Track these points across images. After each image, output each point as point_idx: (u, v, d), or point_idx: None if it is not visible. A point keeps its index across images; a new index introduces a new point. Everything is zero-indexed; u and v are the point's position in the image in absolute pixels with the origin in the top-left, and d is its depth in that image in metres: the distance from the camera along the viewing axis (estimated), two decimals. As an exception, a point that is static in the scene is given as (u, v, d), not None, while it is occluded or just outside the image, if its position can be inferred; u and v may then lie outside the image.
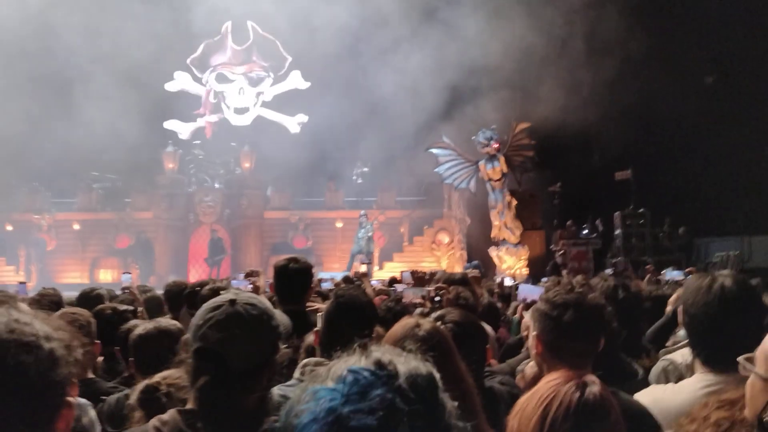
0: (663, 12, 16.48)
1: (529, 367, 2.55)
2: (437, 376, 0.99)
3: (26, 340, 1.08)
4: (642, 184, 15.80)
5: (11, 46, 16.84)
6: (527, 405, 1.45)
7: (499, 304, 6.01)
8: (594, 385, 1.44)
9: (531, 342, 2.14)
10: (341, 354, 1.04)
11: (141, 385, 2.02)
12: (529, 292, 3.89)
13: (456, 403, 1.07)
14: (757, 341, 1.31)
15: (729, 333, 1.96)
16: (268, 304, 1.77)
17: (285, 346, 2.70)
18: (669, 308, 4.44)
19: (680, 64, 16.43)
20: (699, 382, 1.98)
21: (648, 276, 9.45)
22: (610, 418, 1.44)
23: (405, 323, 2.12)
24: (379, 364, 0.92)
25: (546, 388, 1.44)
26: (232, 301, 1.63)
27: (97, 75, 17.63)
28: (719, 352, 1.97)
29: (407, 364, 0.95)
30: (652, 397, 2.00)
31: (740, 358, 1.29)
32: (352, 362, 0.97)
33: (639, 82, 15.52)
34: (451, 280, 4.58)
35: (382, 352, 0.96)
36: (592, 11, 15.67)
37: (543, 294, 2.17)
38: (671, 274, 5.91)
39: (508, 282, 8.20)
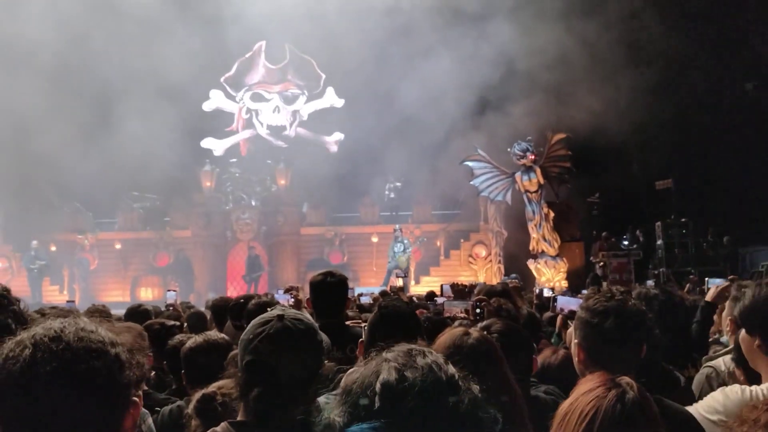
0: (702, 18, 16.21)
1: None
2: (453, 377, 1.08)
3: (94, 347, 1.16)
4: (683, 193, 15.50)
5: (52, 67, 17.38)
6: (569, 418, 1.45)
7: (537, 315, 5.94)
8: (631, 391, 1.44)
9: (573, 350, 2.12)
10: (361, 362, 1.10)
11: (198, 395, 2.06)
12: (567, 303, 3.84)
13: (495, 412, 1.09)
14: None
15: None
16: (312, 320, 1.83)
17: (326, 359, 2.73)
18: (716, 318, 4.33)
19: (720, 70, 16.15)
20: None
21: (689, 285, 9.24)
22: (651, 419, 1.44)
23: (453, 333, 2.11)
24: (386, 387, 1.04)
25: (586, 401, 1.44)
26: (281, 317, 1.73)
27: (135, 95, 18.06)
28: None
29: (415, 375, 1.06)
30: (736, 399, 1.97)
31: None
32: (368, 375, 1.05)
33: (679, 90, 15.29)
34: (492, 292, 4.54)
35: (390, 369, 1.06)
36: (630, 17, 15.49)
37: (583, 302, 2.16)
38: (714, 281, 5.75)
39: (546, 293, 8.08)
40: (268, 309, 1.83)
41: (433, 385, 1.06)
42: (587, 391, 1.45)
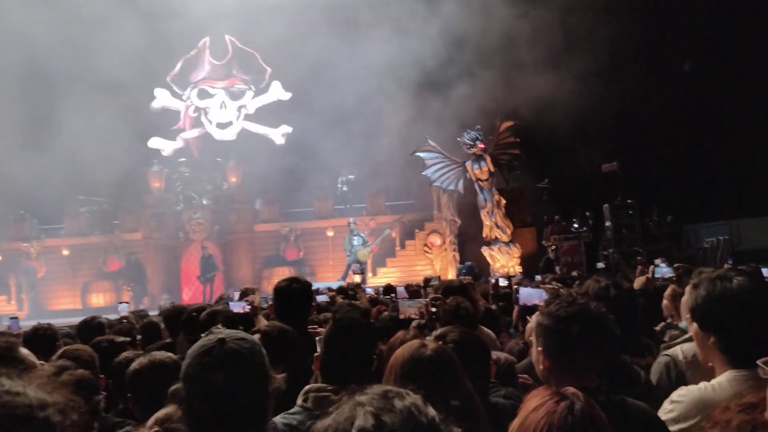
0: (639, 1, 16.60)
1: None
2: (434, 420, 1.01)
3: (20, 413, 1.06)
4: (629, 174, 15.90)
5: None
6: None
7: (493, 306, 6.01)
8: (578, 401, 1.46)
9: (535, 357, 2.12)
10: (335, 403, 1.04)
11: None
12: (529, 296, 3.87)
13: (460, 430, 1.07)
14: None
15: (749, 331, 1.97)
16: (253, 337, 1.77)
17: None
18: (665, 302, 4.48)
19: (658, 53, 16.57)
20: (738, 377, 1.97)
21: (640, 268, 9.51)
22: (601, 426, 1.47)
23: (410, 345, 2.12)
24: None
25: (536, 418, 1.45)
26: (222, 340, 1.64)
27: (78, 96, 17.52)
28: (742, 349, 1.97)
29: (395, 421, 0.97)
30: (699, 396, 1.99)
31: (759, 362, 1.29)
32: (341, 421, 0.98)
33: (620, 73, 15.62)
34: (449, 288, 4.58)
35: (366, 414, 0.97)
36: (571, 4, 15.73)
37: (543, 307, 2.13)
38: (661, 270, 5.91)
39: (502, 282, 8.19)
40: (212, 328, 1.74)
41: (413, 431, 1.00)
42: (536, 407, 1.47)
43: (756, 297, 2.04)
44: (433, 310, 3.73)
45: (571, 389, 1.51)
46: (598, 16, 15.52)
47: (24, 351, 2.74)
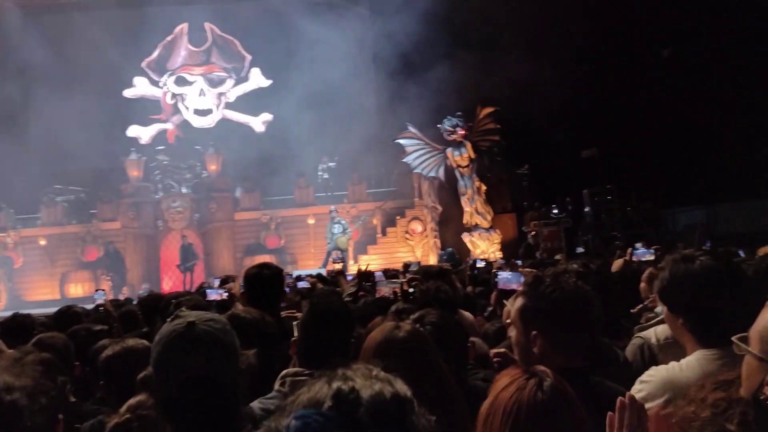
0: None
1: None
2: (408, 395, 0.98)
3: None
4: (608, 160, 16.03)
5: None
6: (492, 419, 1.46)
7: (469, 288, 6.04)
8: (548, 378, 1.47)
9: (521, 340, 2.08)
10: (313, 377, 1.02)
11: (111, 423, 1.97)
12: (508, 281, 3.89)
13: (434, 417, 1.06)
14: (744, 316, 1.32)
15: (715, 310, 1.99)
16: (222, 318, 1.74)
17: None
18: (642, 285, 4.52)
19: (636, 38, 16.65)
20: (707, 356, 1.98)
21: (618, 252, 9.60)
22: (571, 402, 1.48)
23: (384, 327, 2.12)
24: (338, 397, 0.90)
25: (506, 397, 1.46)
26: (192, 324, 1.60)
27: (53, 83, 17.24)
28: (709, 329, 1.99)
29: (371, 388, 0.94)
30: (666, 376, 2.00)
31: (734, 338, 1.30)
32: (315, 391, 0.95)
33: (599, 59, 15.69)
34: (428, 272, 4.59)
35: (344, 378, 0.95)
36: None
37: (531, 289, 2.10)
38: (639, 252, 5.97)
39: (479, 264, 8.22)
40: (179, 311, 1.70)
41: (391, 398, 0.96)
42: (505, 386, 1.48)
43: (718, 276, 2.04)
44: (411, 290, 3.74)
45: (540, 367, 1.52)
46: (577, 1, 15.55)
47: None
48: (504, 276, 3.94)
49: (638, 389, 2.05)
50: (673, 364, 2.05)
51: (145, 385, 1.95)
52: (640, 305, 4.20)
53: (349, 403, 0.91)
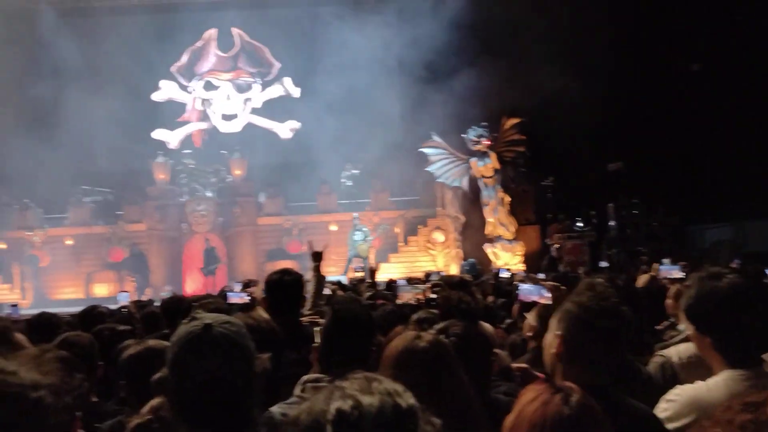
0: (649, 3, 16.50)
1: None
2: (410, 405, 0.99)
3: (12, 392, 1.06)
4: (634, 174, 15.85)
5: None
6: (518, 429, 1.45)
7: (491, 298, 5.99)
8: (575, 394, 1.45)
9: (549, 340, 2.08)
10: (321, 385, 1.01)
11: (132, 423, 1.98)
12: (529, 293, 3.86)
13: (439, 421, 1.05)
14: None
15: (743, 329, 1.95)
16: (239, 321, 1.73)
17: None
18: (669, 302, 4.45)
19: (666, 52, 16.49)
20: (734, 377, 1.94)
21: (643, 267, 9.49)
22: (598, 419, 1.45)
23: (405, 336, 2.11)
24: (340, 418, 0.91)
25: (531, 410, 1.44)
26: (209, 326, 1.59)
27: (84, 86, 17.56)
28: (737, 348, 1.95)
29: (371, 404, 0.95)
30: (693, 395, 1.97)
31: (766, 356, 1.27)
32: (315, 412, 0.96)
33: (628, 72, 15.55)
34: (449, 282, 4.57)
35: (343, 395, 0.96)
36: (582, 3, 15.61)
37: (576, 296, 2.10)
38: (666, 268, 5.88)
39: (504, 274, 8.14)
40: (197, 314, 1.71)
41: (392, 413, 0.97)
42: (530, 400, 1.45)
43: (746, 295, 1.99)
44: (434, 296, 3.72)
45: (568, 383, 1.50)
46: (606, 13, 15.43)
47: (18, 336, 2.74)
48: (525, 288, 3.91)
49: (663, 408, 2.01)
50: (699, 383, 2.00)
51: (160, 387, 1.95)
52: (666, 322, 4.14)
53: (350, 425, 0.91)
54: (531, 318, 3.38)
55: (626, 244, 15.49)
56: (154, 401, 1.99)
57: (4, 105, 17.09)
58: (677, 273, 5.30)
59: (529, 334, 3.38)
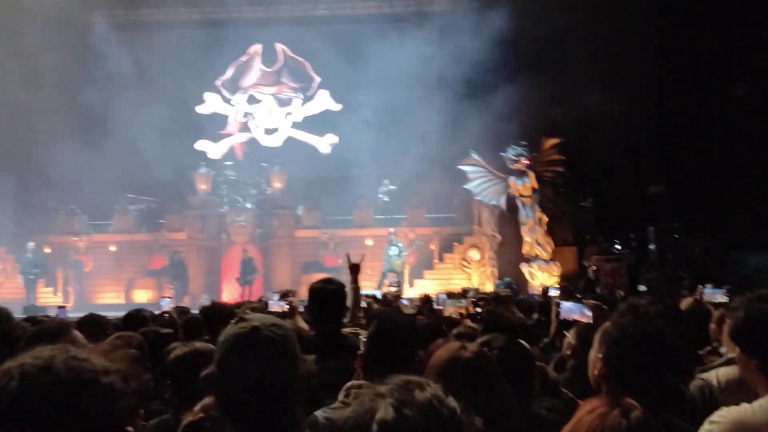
0: (697, 20, 16.28)
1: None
2: (455, 412, 1.01)
3: (86, 377, 1.09)
4: (676, 197, 15.58)
5: (46, 69, 17.36)
6: None
7: (535, 316, 5.95)
8: (635, 410, 1.45)
9: (593, 360, 2.09)
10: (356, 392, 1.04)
11: (185, 421, 2.03)
12: (570, 311, 3.84)
13: (480, 419, 1.07)
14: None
15: None
16: (286, 324, 1.76)
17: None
18: (712, 326, 4.37)
19: (711, 74, 16.24)
20: None
21: (684, 292, 9.29)
22: None
23: (450, 346, 2.14)
24: (384, 426, 0.94)
25: (589, 420, 1.45)
26: (256, 328, 1.63)
27: (133, 98, 18.09)
28: None
29: (415, 411, 0.97)
30: (738, 417, 1.96)
31: None
32: (363, 409, 1.00)
33: (671, 94, 15.35)
34: (494, 297, 4.57)
35: (387, 404, 0.98)
36: (621, 18, 15.49)
37: (618, 316, 2.11)
38: (710, 292, 5.78)
39: (553, 292, 8.10)
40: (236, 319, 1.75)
41: (434, 422, 0.99)
42: (589, 411, 1.47)
43: None
44: (478, 310, 3.74)
45: (630, 401, 1.50)
46: (650, 33, 15.29)
47: (76, 333, 2.85)
48: (567, 306, 3.89)
49: (708, 429, 2.00)
50: (744, 405, 1.99)
51: (207, 383, 2.01)
52: (708, 347, 4.07)
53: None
54: (571, 336, 3.38)
55: (666, 269, 15.20)
56: (206, 400, 2.05)
57: (55, 112, 17.67)
58: (721, 297, 5.21)
59: (568, 352, 3.37)
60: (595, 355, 2.09)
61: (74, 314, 8.35)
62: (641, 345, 1.98)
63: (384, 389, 1.04)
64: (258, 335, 1.62)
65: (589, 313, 3.57)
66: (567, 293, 6.98)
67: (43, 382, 1.06)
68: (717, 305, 5.08)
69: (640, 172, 16.19)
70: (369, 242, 18.05)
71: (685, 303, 5.07)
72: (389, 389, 1.04)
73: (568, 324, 3.85)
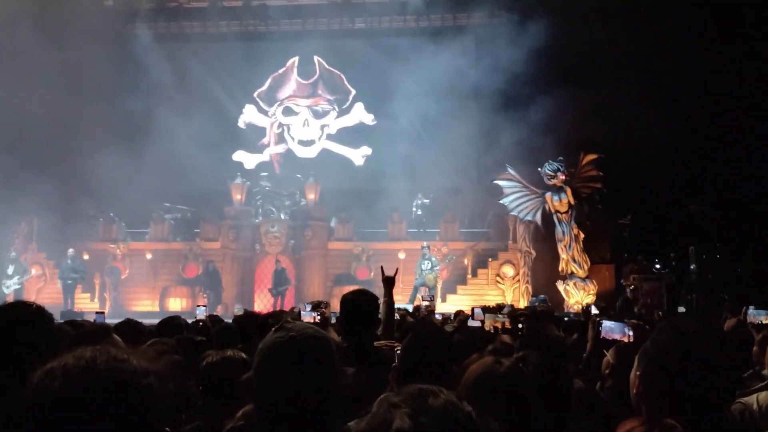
0: (740, 39, 15.96)
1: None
2: (470, 417, 1.00)
3: (126, 378, 1.12)
4: (718, 217, 15.20)
5: (88, 80, 17.83)
6: None
7: (575, 336, 5.82)
8: (675, 428, 1.39)
9: (632, 379, 2.02)
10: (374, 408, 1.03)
11: (227, 427, 2.03)
12: (611, 331, 3.73)
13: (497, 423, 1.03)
14: None
15: None
16: (325, 334, 1.73)
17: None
18: (755, 349, 4.22)
19: (755, 92, 15.86)
20: None
21: (725, 314, 9.02)
22: None
23: (485, 361, 2.08)
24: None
25: None
26: (294, 339, 1.61)
27: (172, 108, 18.44)
28: None
29: (431, 419, 0.96)
30: None
31: None
32: (378, 419, 0.99)
33: (714, 110, 15.04)
34: (535, 312, 4.48)
35: (402, 414, 0.97)
36: (666, 34, 15.23)
37: (656, 336, 2.03)
38: (753, 312, 5.59)
39: (594, 310, 7.98)
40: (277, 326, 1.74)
41: (451, 428, 0.98)
42: (630, 428, 1.41)
43: None
44: (519, 326, 3.66)
45: (670, 420, 1.44)
46: (693, 47, 15.00)
47: (116, 337, 2.87)
48: (608, 325, 3.78)
49: None
50: None
51: (246, 388, 2.00)
52: (751, 370, 3.94)
53: None
54: (610, 356, 3.27)
55: (707, 290, 14.80)
56: (247, 407, 2.04)
57: (96, 121, 18.12)
58: (765, 318, 5.04)
59: (607, 371, 3.27)
60: (634, 374, 2.02)
61: (110, 320, 8.48)
62: (680, 363, 1.91)
63: (397, 399, 1.03)
64: (295, 346, 1.61)
65: (631, 333, 3.46)
66: (605, 312, 6.84)
67: (85, 382, 1.09)
68: (760, 327, 4.92)
69: (680, 190, 15.84)
70: (401, 255, 17.99)
71: (729, 324, 4.91)
72: (403, 398, 1.03)
73: (607, 344, 3.74)
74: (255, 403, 1.71)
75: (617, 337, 3.59)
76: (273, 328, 1.71)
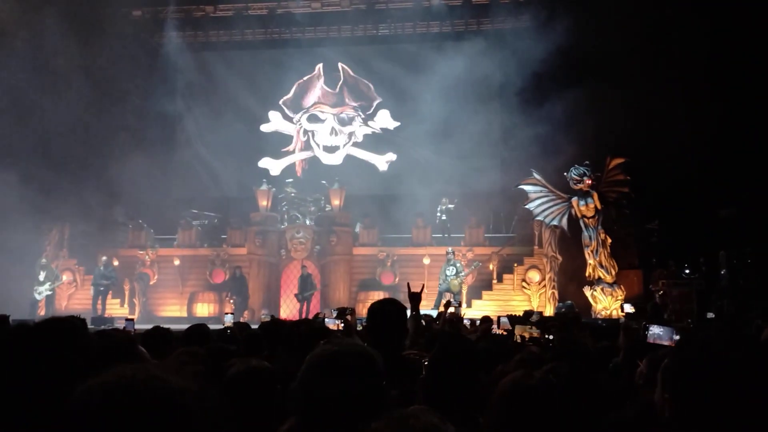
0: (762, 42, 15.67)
1: None
2: None
3: (165, 396, 1.12)
4: (749, 221, 14.91)
5: (116, 87, 18.12)
6: None
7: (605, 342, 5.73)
8: None
9: (658, 399, 1.94)
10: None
11: None
12: (659, 336, 3.58)
13: None
14: None
15: None
16: (369, 349, 1.76)
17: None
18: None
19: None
20: None
21: (757, 321, 8.83)
22: None
23: (515, 374, 2.08)
24: None
25: None
26: (336, 354, 1.65)
27: (201, 115, 18.68)
28: None
29: None
30: None
31: None
32: None
33: (742, 114, 14.77)
34: (564, 320, 4.44)
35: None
36: (699, 39, 15.00)
37: (677, 350, 1.88)
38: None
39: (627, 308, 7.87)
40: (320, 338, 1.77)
41: None
42: None
43: None
44: (550, 337, 3.62)
45: None
46: (722, 49, 14.77)
47: (141, 348, 2.91)
48: (655, 331, 3.61)
49: None
50: None
51: (293, 398, 2.01)
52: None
53: None
54: (643, 365, 3.22)
55: (738, 296, 14.50)
56: (292, 420, 2.05)
57: (125, 129, 18.42)
58: (802, 328, 4.91)
59: (641, 382, 3.21)
60: (660, 395, 1.92)
61: (139, 326, 8.60)
62: (710, 379, 1.78)
63: (380, 425, 1.03)
64: (338, 361, 1.64)
65: (678, 338, 3.34)
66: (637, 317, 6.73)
67: (124, 400, 1.09)
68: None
69: (710, 194, 15.57)
70: (426, 261, 17.98)
71: (766, 333, 4.79)
72: (385, 424, 1.03)
73: (644, 350, 3.63)
74: (297, 415, 1.73)
75: (665, 343, 3.45)
76: (322, 342, 1.75)
